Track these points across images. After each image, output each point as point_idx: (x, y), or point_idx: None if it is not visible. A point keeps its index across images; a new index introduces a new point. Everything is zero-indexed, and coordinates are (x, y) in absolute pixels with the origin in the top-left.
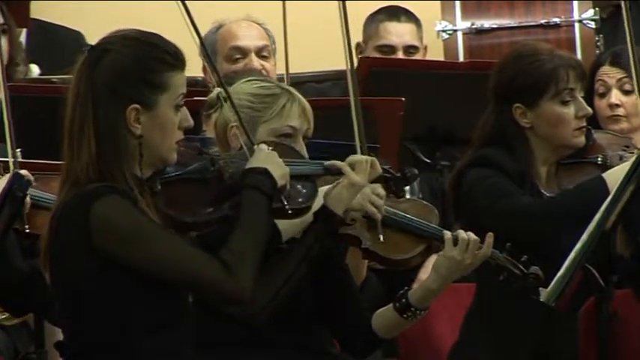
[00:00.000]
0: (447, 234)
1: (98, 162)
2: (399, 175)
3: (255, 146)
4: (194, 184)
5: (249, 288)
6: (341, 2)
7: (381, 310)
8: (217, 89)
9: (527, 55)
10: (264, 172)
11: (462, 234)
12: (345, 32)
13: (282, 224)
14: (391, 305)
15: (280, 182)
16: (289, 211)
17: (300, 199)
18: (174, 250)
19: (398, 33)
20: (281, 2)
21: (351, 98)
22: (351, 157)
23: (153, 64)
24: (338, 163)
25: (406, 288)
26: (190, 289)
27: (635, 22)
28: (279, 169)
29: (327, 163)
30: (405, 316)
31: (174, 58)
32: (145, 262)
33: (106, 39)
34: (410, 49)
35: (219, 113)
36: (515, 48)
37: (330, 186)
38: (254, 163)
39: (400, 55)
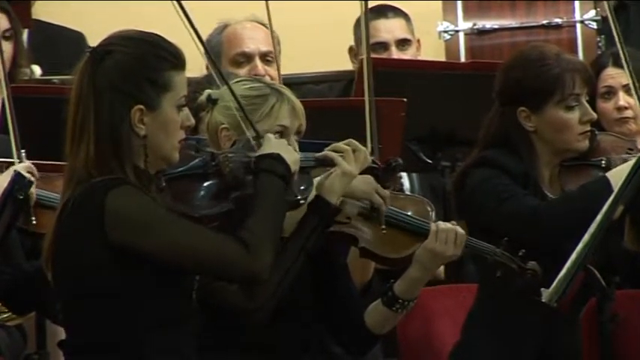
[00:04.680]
0: (433, 226)
1: (96, 159)
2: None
3: (262, 137)
4: (196, 179)
5: (268, 267)
6: (363, 2)
7: (371, 306)
8: (207, 91)
9: (534, 59)
10: (278, 157)
11: (442, 225)
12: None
13: None
14: (379, 300)
15: (293, 168)
16: (301, 202)
17: (297, 191)
18: (192, 233)
19: (387, 29)
20: (282, 2)
21: (366, 98)
22: (342, 148)
23: (155, 63)
24: (330, 153)
25: (392, 281)
26: (210, 270)
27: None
28: (290, 155)
29: (318, 154)
30: (394, 308)
31: (175, 57)
32: (165, 248)
33: (107, 40)
34: (402, 42)
35: (210, 115)
36: (522, 50)
37: (323, 176)
38: (266, 150)
39: (393, 50)
